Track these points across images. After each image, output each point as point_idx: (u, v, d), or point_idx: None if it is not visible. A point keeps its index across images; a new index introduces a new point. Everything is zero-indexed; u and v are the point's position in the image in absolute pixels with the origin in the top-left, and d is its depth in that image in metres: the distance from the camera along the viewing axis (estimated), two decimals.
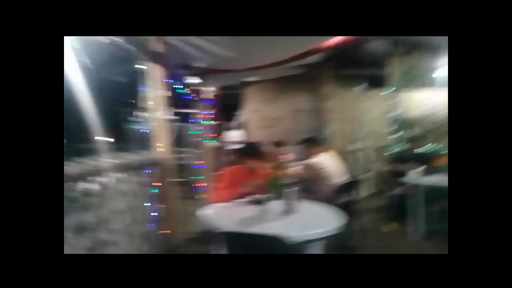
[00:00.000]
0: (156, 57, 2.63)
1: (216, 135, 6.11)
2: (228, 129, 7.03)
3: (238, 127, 6.72)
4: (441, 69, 4.96)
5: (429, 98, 5.31)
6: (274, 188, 1.82)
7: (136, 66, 2.37)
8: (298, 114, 7.26)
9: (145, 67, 2.59)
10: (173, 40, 2.77)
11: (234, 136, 6.88)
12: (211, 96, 5.78)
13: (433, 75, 5.13)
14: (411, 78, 5.31)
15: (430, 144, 4.99)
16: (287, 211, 1.80)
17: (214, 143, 5.87)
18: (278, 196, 1.85)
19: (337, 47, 4.59)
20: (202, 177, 5.41)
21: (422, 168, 3.41)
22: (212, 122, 5.83)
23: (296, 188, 1.83)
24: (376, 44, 4.85)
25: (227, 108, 8.03)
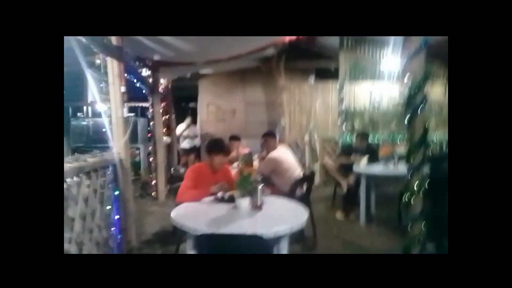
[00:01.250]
0: (112, 51, 2.46)
1: (168, 129, 5.90)
2: (182, 122, 6.64)
3: (191, 121, 6.50)
4: (386, 63, 5.44)
5: (374, 91, 5.82)
6: (243, 186, 1.87)
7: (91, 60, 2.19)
8: (251, 107, 7.38)
9: (100, 61, 2.41)
10: None
11: (188, 130, 6.54)
12: (163, 89, 5.55)
13: (379, 69, 5.59)
14: (358, 71, 5.75)
15: (375, 134, 5.52)
16: (255, 208, 1.87)
17: (166, 138, 5.69)
18: (245, 193, 1.91)
19: (291, 41, 4.76)
20: (152, 174, 5.23)
21: (367, 158, 3.77)
22: (165, 117, 5.62)
23: (262, 185, 1.91)
24: (327, 38, 5.13)
25: (179, 101, 7.77)
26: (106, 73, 2.58)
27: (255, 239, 1.38)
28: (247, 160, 2.32)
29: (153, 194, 5.13)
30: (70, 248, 1.80)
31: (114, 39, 2.56)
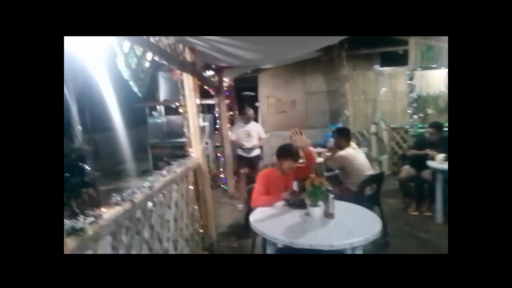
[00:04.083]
0: (188, 67, 2.72)
1: (232, 125, 6.21)
2: (245, 121, 4.60)
3: (253, 119, 4.67)
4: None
5: (447, 77, 5.27)
6: (315, 195, 1.96)
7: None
8: (311, 97, 7.28)
9: (180, 78, 2.69)
10: (200, 47, 2.84)
11: (251, 131, 4.58)
12: (227, 87, 5.83)
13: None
14: (429, 57, 5.25)
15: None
16: (328, 216, 1.95)
17: (231, 133, 6.01)
18: (317, 202, 1.99)
19: None
20: (221, 168, 5.62)
21: (444, 154, 3.49)
22: (229, 113, 5.93)
23: (333, 195, 1.97)
24: None
25: (242, 97, 8.05)
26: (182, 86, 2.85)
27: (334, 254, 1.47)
28: (318, 170, 2.39)
29: (222, 185, 5.54)
30: (168, 246, 2.14)
31: (188, 55, 2.82)
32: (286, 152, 2.46)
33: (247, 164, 4.45)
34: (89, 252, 1.17)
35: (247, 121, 4.51)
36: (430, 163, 3.54)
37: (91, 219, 1.15)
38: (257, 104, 7.41)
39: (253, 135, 4.49)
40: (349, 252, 1.71)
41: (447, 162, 3.42)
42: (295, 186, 2.38)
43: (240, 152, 4.59)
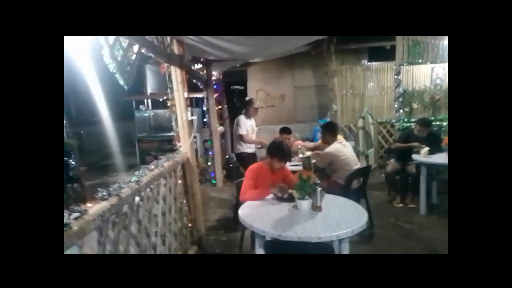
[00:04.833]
0: (175, 59, 2.67)
1: (220, 119, 6.18)
2: (251, 115, 4.15)
3: (248, 114, 4.15)
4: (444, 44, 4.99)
5: (432, 72, 5.37)
6: (303, 189, 1.98)
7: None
8: (300, 91, 7.30)
9: (167, 71, 2.64)
10: (188, 40, 2.79)
11: (254, 125, 4.22)
12: (215, 80, 5.78)
13: (436, 50, 5.15)
14: (416, 52, 5.33)
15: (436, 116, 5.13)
16: (315, 209, 1.98)
17: (220, 127, 5.97)
18: (305, 195, 2.01)
19: None
20: (209, 162, 5.61)
21: (429, 149, 3.58)
22: (218, 107, 5.89)
23: (320, 188, 2.00)
24: None
25: (230, 91, 7.99)
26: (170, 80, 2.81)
27: (322, 245, 1.50)
28: (306, 164, 2.40)
29: (211, 179, 5.53)
30: (156, 241, 2.12)
31: (175, 48, 2.77)
32: (280, 153, 2.40)
33: (252, 161, 3.80)
34: (75, 247, 1.15)
35: (254, 113, 4.09)
36: (414, 156, 3.63)
37: (76, 214, 1.13)
38: (247, 98, 7.38)
39: (255, 130, 4.21)
40: (336, 244, 1.75)
41: (431, 156, 3.52)
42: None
43: (248, 150, 4.11)
